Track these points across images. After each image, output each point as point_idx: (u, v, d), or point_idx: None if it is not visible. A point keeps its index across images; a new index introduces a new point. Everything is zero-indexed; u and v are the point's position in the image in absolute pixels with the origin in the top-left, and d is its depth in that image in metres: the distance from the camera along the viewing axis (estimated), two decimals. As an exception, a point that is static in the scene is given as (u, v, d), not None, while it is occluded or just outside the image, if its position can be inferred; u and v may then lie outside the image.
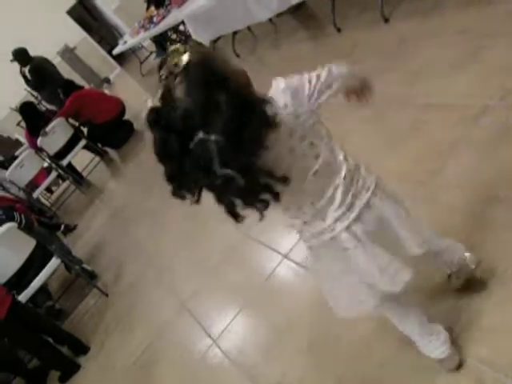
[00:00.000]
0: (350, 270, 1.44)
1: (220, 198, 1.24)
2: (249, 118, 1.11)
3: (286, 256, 2.76)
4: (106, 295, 4.07)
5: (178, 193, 1.25)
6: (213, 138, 1.07)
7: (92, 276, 4.41)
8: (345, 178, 1.36)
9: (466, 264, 1.78)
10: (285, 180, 1.21)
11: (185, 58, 1.13)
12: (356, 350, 2.04)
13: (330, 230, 1.39)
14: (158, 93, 1.13)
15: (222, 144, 1.08)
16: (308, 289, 2.47)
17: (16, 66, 7.40)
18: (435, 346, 1.64)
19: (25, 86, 8.94)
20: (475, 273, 1.80)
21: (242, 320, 2.74)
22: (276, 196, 1.23)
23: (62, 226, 5.75)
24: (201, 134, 1.08)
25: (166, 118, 1.11)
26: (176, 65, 1.13)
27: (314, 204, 1.37)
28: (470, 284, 1.81)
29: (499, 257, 1.82)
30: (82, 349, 3.67)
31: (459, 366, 1.67)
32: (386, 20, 3.85)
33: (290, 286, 2.65)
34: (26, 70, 7.15)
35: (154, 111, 1.13)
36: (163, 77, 1.14)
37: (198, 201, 1.27)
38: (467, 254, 1.79)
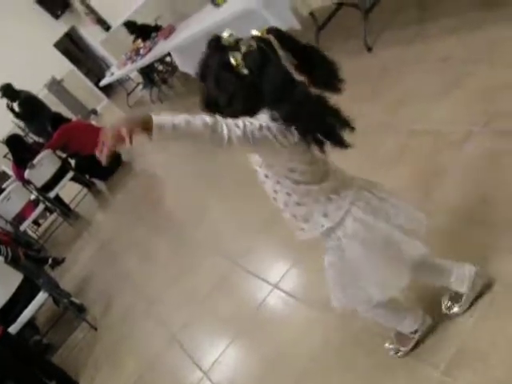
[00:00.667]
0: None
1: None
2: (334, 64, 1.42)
3: (275, 286, 2.75)
4: (95, 329, 4.00)
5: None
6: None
7: (80, 309, 4.34)
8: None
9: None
10: (349, 125, 1.43)
11: (261, 31, 1.34)
12: (349, 381, 2.01)
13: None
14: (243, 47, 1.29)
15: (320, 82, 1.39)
16: (299, 319, 2.46)
17: (1, 100, 7.41)
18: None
19: (11, 118, 8.95)
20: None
21: (233, 351, 2.70)
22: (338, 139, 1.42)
23: (50, 260, 5.67)
24: None
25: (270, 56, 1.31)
26: (257, 36, 1.33)
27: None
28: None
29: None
30: None
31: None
32: (369, 49, 3.92)
33: (280, 316, 2.63)
34: (15, 104, 7.17)
35: (254, 53, 1.29)
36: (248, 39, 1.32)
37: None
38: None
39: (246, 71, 1.29)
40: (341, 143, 1.41)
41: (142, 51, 7.20)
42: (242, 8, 4.53)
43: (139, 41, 7.62)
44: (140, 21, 8.56)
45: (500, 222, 2.00)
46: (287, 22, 4.26)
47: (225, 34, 1.31)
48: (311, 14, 4.25)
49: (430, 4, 3.84)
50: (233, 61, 1.28)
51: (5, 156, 11.22)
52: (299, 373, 2.24)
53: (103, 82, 9.81)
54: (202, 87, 1.40)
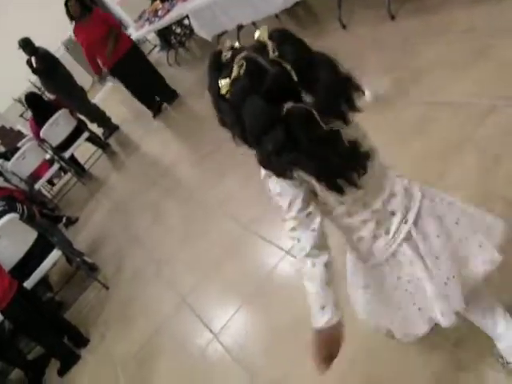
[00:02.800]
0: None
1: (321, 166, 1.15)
2: (345, 82, 1.15)
3: (288, 252, 2.75)
4: (107, 288, 4.06)
5: (285, 169, 1.17)
6: (308, 99, 1.10)
7: (93, 268, 4.41)
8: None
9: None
10: (368, 156, 1.21)
11: (263, 33, 1.13)
12: (362, 350, 2.02)
13: (392, 241, 1.32)
14: (234, 70, 1.10)
15: (321, 106, 1.09)
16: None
17: (17, 57, 7.38)
18: None
19: (28, 76, 8.92)
20: None
21: (243, 315, 2.73)
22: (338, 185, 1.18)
23: (64, 219, 5.74)
24: (291, 103, 1.08)
25: (256, 84, 1.08)
26: (259, 41, 1.12)
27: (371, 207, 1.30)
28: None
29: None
30: (82, 341, 3.68)
31: None
32: (393, 17, 3.83)
33: (291, 282, 2.63)
34: (33, 58, 7.13)
35: (241, 79, 1.09)
36: (240, 55, 1.11)
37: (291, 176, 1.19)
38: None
39: (230, 98, 1.13)
40: (339, 189, 1.19)
41: (160, 13, 7.10)
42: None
43: (157, 1, 7.51)
44: (159, -19, 8.43)
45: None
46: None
47: (226, 46, 1.17)
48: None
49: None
50: (222, 90, 1.13)
51: (21, 115, 11.29)
52: (307, 340, 2.25)
53: (120, 43, 9.74)
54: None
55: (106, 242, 4.90)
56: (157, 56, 10.16)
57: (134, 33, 8.63)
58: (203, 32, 6.23)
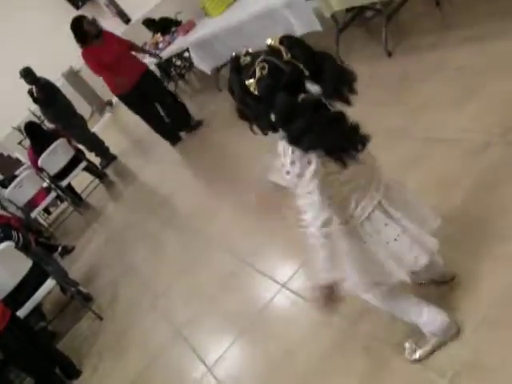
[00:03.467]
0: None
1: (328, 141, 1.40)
2: (346, 72, 1.41)
3: (284, 285, 2.75)
4: (101, 318, 4.03)
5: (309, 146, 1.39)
6: (315, 89, 1.37)
7: (87, 299, 4.38)
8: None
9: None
10: (367, 138, 1.47)
11: (274, 40, 1.38)
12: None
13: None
14: (257, 71, 1.34)
15: (330, 93, 1.38)
16: (306, 319, 2.46)
17: (17, 86, 7.47)
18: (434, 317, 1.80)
19: (28, 105, 9.01)
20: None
21: (237, 349, 2.71)
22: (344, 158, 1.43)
23: (60, 248, 5.72)
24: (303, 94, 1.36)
25: (278, 82, 1.33)
26: (271, 46, 1.37)
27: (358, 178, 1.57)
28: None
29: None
30: (74, 372, 3.62)
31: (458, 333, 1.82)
32: (390, 54, 3.91)
33: (287, 315, 2.63)
34: (34, 88, 7.21)
35: (265, 79, 1.33)
36: (260, 59, 1.35)
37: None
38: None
39: (258, 94, 1.36)
40: (344, 162, 1.45)
41: (160, 45, 7.23)
42: (264, 6, 4.54)
43: (158, 35, 7.64)
44: (160, 15, 8.59)
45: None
46: (309, 23, 4.26)
47: (242, 53, 1.41)
48: (333, 16, 4.23)
49: (450, 12, 3.82)
50: (250, 86, 1.36)
51: (19, 143, 11.33)
52: (303, 374, 2.24)
53: (120, 75, 9.85)
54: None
55: (101, 272, 4.87)
56: (156, 88, 10.27)
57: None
58: (203, 65, 6.33)
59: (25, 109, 10.61)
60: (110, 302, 4.20)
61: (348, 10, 4.48)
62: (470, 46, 3.23)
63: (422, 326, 1.81)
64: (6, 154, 11.78)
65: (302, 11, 4.26)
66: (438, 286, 2.01)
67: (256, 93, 1.35)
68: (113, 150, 8.10)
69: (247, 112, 1.44)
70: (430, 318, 1.79)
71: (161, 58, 6.16)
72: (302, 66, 1.34)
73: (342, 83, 1.39)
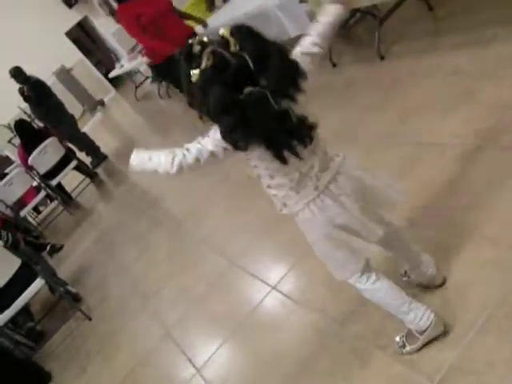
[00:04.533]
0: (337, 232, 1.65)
1: (275, 138, 1.42)
2: (291, 68, 1.40)
3: (274, 287, 2.75)
4: (90, 319, 4.00)
5: (239, 143, 1.42)
6: (263, 83, 1.33)
7: (76, 299, 4.35)
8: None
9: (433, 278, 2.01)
10: (314, 127, 1.47)
11: (226, 30, 1.36)
12: (342, 385, 2.02)
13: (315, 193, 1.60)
14: (203, 61, 1.33)
15: (272, 88, 1.34)
16: (295, 321, 2.46)
17: (8, 83, 7.43)
18: (419, 315, 1.81)
19: (18, 103, 8.96)
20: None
21: (227, 350, 2.70)
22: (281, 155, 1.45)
23: (48, 247, 5.69)
24: (250, 88, 1.32)
25: (220, 74, 1.32)
26: (223, 37, 1.35)
27: (300, 170, 1.56)
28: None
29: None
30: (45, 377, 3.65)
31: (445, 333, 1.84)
32: (382, 57, 3.92)
33: (276, 317, 2.63)
34: (24, 87, 7.17)
35: (207, 70, 1.33)
36: (208, 49, 1.34)
37: (246, 148, 1.44)
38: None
39: (199, 85, 1.37)
40: (282, 158, 1.46)
41: (153, 45, 7.20)
42: (256, 6, 4.55)
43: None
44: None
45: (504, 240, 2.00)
46: (302, 26, 4.27)
47: (196, 41, 1.38)
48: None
49: (443, 17, 3.85)
50: (193, 77, 1.36)
51: (9, 141, 11.26)
52: (291, 375, 2.24)
53: (112, 74, 9.84)
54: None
55: (90, 272, 4.85)
56: (148, 88, 10.26)
57: (127, 64, 8.73)
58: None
59: (15, 106, 10.54)
60: (99, 302, 4.17)
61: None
62: (463, 50, 3.25)
63: (409, 323, 1.83)
64: (-5, 152, 11.71)
65: (295, 13, 4.27)
66: (427, 289, 2.02)
67: (197, 82, 1.35)
68: (104, 149, 8.07)
69: (193, 101, 1.44)
70: (417, 315, 1.80)
71: (207, 25, 5.18)
72: (248, 58, 1.31)
73: (285, 79, 1.38)
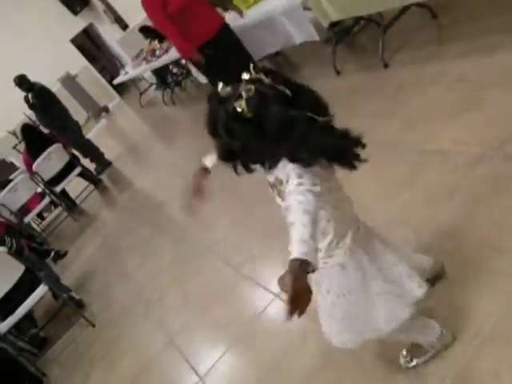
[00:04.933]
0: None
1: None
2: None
3: (277, 295, 2.74)
4: (93, 325, 4.00)
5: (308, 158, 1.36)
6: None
7: (79, 305, 4.35)
8: None
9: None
10: (360, 142, 1.43)
11: (248, 73, 1.35)
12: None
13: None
14: (243, 93, 1.29)
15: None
16: (298, 330, 2.45)
17: (13, 89, 7.47)
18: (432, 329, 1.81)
19: (23, 109, 8.99)
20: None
21: (230, 358, 2.69)
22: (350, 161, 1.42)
23: (52, 253, 5.69)
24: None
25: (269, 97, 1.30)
26: (250, 77, 1.33)
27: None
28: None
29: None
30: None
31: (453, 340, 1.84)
32: (386, 65, 3.92)
33: (280, 326, 2.61)
34: (29, 94, 7.21)
35: (255, 96, 1.29)
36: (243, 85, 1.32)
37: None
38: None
39: (250, 115, 1.29)
40: (352, 164, 1.42)
41: (157, 52, 7.24)
42: (261, 13, 4.56)
43: (156, 42, 7.65)
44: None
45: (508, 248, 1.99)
46: (307, 33, 4.29)
47: (220, 87, 1.36)
48: (331, 25, 4.24)
49: (448, 25, 3.85)
50: (238, 108, 1.28)
51: (14, 147, 11.31)
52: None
53: (117, 81, 9.88)
54: (215, 143, 1.46)
55: (94, 278, 4.85)
56: (152, 95, 10.30)
57: (131, 70, 8.77)
58: (199, 74, 6.34)
59: (20, 113, 10.59)
60: (103, 308, 4.17)
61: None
62: (467, 58, 3.25)
63: (419, 338, 1.82)
64: (0, 158, 11.76)
65: (299, 20, 4.29)
66: (432, 283, 2.00)
67: (247, 112, 1.29)
68: (108, 155, 8.09)
69: (232, 144, 1.37)
70: (428, 330, 1.80)
71: (242, 12, 4.90)
72: (282, 88, 1.32)
73: (317, 104, 1.40)
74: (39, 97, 7.16)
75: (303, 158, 1.34)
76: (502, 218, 2.12)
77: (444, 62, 3.43)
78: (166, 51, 6.98)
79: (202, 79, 6.31)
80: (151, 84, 10.60)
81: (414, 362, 1.86)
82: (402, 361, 1.90)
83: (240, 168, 1.46)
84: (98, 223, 6.31)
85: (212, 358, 2.75)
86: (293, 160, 1.35)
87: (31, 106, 7.37)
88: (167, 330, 3.25)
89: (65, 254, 5.86)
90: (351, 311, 1.64)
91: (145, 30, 8.68)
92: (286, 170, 1.37)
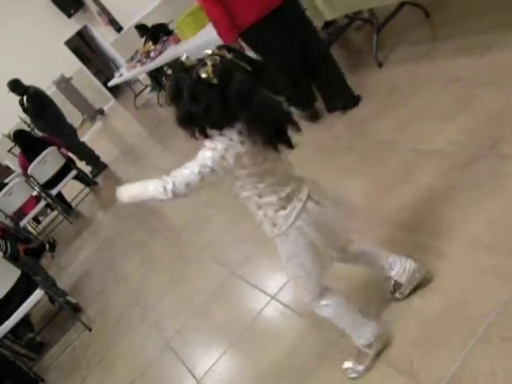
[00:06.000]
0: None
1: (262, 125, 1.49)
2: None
3: (273, 297, 2.73)
4: (90, 329, 3.99)
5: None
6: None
7: (76, 309, 4.33)
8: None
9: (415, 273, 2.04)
10: (298, 126, 1.58)
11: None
12: None
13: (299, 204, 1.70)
14: (208, 62, 1.43)
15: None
16: (295, 331, 2.45)
17: (8, 93, 7.45)
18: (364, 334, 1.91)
19: (18, 112, 8.98)
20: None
21: (227, 361, 2.68)
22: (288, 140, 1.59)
23: (47, 245, 5.73)
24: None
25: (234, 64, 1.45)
26: (212, 52, 1.45)
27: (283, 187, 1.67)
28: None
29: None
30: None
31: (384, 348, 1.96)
32: (380, 64, 3.92)
33: (276, 327, 2.61)
34: (24, 98, 7.20)
35: (221, 64, 1.42)
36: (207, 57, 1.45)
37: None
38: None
39: (215, 81, 1.42)
40: (290, 143, 1.59)
41: (152, 54, 7.24)
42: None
43: (150, 43, 7.65)
44: (151, 24, 8.60)
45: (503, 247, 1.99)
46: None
47: (184, 58, 1.49)
48: (325, 25, 4.24)
49: (441, 24, 3.86)
50: (204, 74, 1.41)
51: (9, 150, 11.28)
52: (293, 387, 2.23)
53: (112, 83, 9.86)
54: (175, 109, 1.54)
55: (91, 282, 4.84)
56: (147, 97, 10.29)
57: (126, 73, 8.76)
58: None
59: (15, 116, 10.57)
60: (99, 312, 4.16)
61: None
62: (461, 57, 3.25)
63: (357, 339, 1.93)
64: (-5, 161, 11.73)
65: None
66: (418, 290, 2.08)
67: (212, 78, 1.41)
68: (104, 158, 8.08)
69: (196, 110, 1.46)
70: (364, 330, 1.92)
71: None
72: (244, 64, 1.45)
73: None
74: (32, 101, 7.14)
75: (249, 121, 1.47)
76: (497, 216, 2.12)
77: (438, 61, 3.44)
78: (161, 53, 6.97)
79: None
80: (146, 86, 10.60)
81: (362, 368, 1.95)
82: (349, 371, 2.00)
83: (197, 133, 1.54)
84: (94, 226, 6.30)
85: (209, 361, 2.74)
86: (251, 121, 1.47)
87: (25, 110, 7.36)
88: (163, 333, 3.24)
89: (54, 241, 5.93)
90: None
91: (140, 28, 8.67)
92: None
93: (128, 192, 1.75)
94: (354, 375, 1.97)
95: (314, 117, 3.91)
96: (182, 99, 1.47)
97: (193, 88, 1.44)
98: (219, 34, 3.57)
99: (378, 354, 1.96)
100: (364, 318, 1.93)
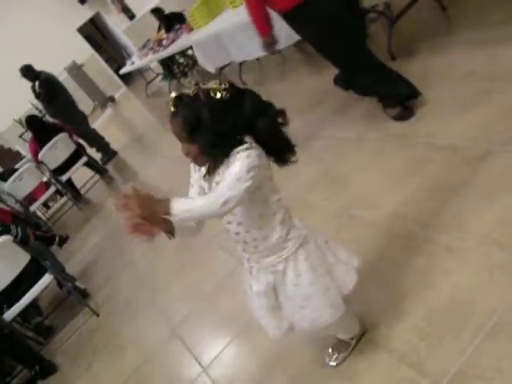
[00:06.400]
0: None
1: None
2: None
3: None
4: (97, 315, 4.02)
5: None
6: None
7: (84, 294, 4.37)
8: None
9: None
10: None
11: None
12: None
13: None
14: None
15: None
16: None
17: (20, 79, 7.47)
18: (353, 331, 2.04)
19: (29, 98, 9.02)
20: None
21: (233, 349, 2.70)
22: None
23: (57, 238, 5.76)
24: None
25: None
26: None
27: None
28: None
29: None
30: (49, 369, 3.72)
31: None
32: (394, 58, 3.90)
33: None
34: (36, 84, 7.21)
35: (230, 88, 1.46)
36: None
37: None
38: None
39: (228, 97, 1.45)
40: (288, 161, 1.60)
41: (164, 42, 7.23)
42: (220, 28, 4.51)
43: (162, 32, 7.64)
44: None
45: (513, 243, 1.99)
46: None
47: (173, 95, 1.56)
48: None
49: (456, 17, 3.82)
50: (218, 94, 1.44)
51: (20, 136, 11.34)
52: (298, 377, 2.23)
53: (123, 70, 9.87)
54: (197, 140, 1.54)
55: (99, 268, 4.87)
56: (158, 85, 10.29)
57: (138, 60, 8.76)
58: (207, 64, 6.32)
59: (26, 101, 10.62)
60: (107, 298, 4.19)
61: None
62: (477, 51, 3.23)
63: (343, 335, 2.05)
64: (6, 146, 11.79)
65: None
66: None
67: (225, 94, 1.44)
68: (114, 145, 8.10)
69: (223, 127, 1.47)
70: (353, 328, 2.04)
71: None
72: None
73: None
74: (44, 86, 7.16)
75: (261, 134, 1.51)
76: (506, 214, 2.11)
77: (453, 54, 3.41)
78: (173, 41, 6.96)
79: (210, 68, 6.30)
80: (157, 74, 10.59)
81: (340, 357, 2.07)
82: (328, 359, 2.11)
83: (229, 149, 1.51)
84: (103, 213, 6.33)
85: (215, 349, 2.75)
86: (263, 137, 1.52)
87: (37, 96, 7.37)
88: (170, 320, 3.26)
89: (67, 238, 5.95)
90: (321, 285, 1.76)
91: (157, 11, 8.60)
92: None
93: (182, 206, 1.58)
94: (336, 363, 2.08)
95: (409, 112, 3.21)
96: (203, 126, 1.47)
97: (213, 109, 1.45)
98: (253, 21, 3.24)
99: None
100: (354, 315, 2.02)
